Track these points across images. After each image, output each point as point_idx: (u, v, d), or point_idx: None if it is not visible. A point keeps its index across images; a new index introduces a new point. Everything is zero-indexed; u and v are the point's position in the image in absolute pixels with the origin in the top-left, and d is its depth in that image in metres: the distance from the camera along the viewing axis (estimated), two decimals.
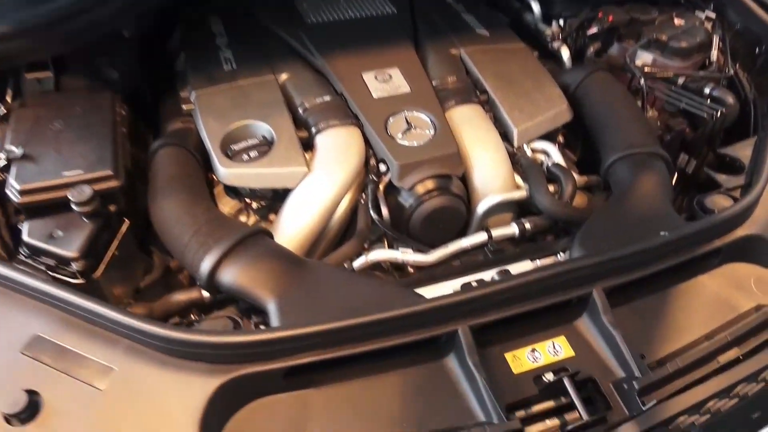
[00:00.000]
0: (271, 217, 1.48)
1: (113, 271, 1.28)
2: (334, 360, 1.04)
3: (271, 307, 1.13)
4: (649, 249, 1.17)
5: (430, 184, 1.43)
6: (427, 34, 1.79)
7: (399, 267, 1.40)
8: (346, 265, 1.36)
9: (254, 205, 1.49)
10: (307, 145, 1.50)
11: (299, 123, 1.55)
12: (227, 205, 1.50)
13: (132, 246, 1.37)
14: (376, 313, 1.05)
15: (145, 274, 1.41)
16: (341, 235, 1.47)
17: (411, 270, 1.40)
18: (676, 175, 1.80)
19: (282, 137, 1.47)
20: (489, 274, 1.31)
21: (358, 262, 1.37)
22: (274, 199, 1.48)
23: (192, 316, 1.32)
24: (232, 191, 1.50)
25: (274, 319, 1.11)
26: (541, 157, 1.61)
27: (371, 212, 1.38)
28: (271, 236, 1.30)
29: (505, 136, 1.61)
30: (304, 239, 1.40)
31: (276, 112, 1.52)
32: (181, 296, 1.29)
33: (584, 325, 1.17)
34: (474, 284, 1.22)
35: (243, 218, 1.50)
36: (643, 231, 1.28)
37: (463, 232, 1.51)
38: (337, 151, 1.46)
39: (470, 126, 1.56)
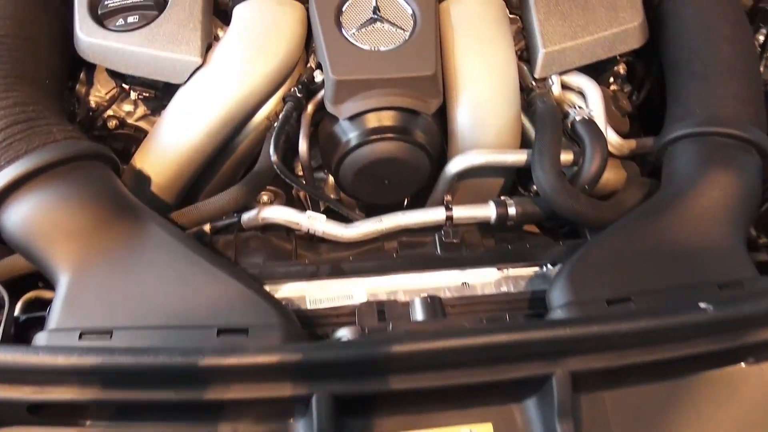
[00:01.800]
0: None
1: None
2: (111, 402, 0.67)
3: (61, 284, 0.75)
4: (666, 328, 0.69)
5: (384, 119, 0.94)
6: None
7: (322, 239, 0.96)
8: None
9: (133, 94, 1.04)
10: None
11: None
12: (104, 88, 1.06)
13: None
14: (177, 355, 0.65)
15: None
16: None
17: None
18: None
19: None
20: (413, 282, 0.87)
21: (247, 217, 0.94)
22: (167, 91, 1.03)
23: None
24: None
25: (56, 309, 0.73)
26: (572, 100, 1.06)
27: (271, 147, 0.91)
28: (113, 163, 0.87)
29: (528, 57, 1.06)
30: (184, 164, 0.97)
31: None
32: None
33: (527, 415, 0.74)
34: (377, 300, 0.78)
35: (127, 107, 1.07)
36: (679, 278, 0.78)
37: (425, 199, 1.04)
38: (256, 36, 0.97)
39: (471, 31, 1.00)
